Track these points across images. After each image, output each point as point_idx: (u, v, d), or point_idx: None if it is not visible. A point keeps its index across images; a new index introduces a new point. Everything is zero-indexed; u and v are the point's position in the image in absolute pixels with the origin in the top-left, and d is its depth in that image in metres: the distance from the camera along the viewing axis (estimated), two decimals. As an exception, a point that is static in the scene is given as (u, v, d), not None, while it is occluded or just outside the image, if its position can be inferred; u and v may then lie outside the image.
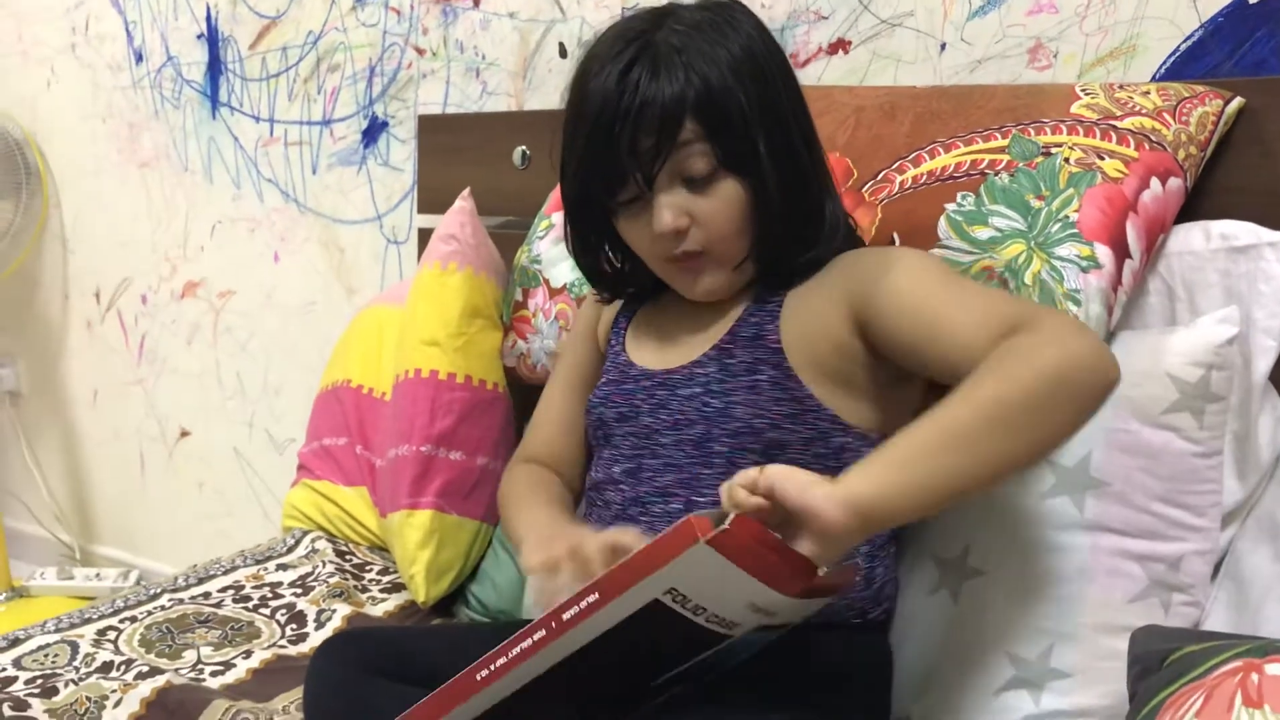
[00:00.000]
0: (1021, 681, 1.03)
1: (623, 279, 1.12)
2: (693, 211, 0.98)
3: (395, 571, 1.47)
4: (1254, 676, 0.75)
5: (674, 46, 0.95)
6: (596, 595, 0.73)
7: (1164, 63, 1.27)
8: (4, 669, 1.21)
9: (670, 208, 0.98)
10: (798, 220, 1.00)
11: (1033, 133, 1.12)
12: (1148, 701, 0.82)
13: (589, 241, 1.09)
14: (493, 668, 0.78)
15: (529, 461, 1.20)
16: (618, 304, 1.17)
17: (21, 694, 1.15)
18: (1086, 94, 1.14)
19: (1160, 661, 0.85)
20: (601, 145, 0.97)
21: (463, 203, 1.53)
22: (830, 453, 0.99)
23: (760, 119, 0.96)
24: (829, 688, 0.98)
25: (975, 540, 1.07)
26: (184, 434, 2.51)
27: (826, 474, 0.91)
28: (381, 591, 1.44)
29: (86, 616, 1.35)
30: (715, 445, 0.99)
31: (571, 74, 1.02)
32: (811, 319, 1.00)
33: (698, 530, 0.70)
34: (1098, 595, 1.02)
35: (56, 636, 1.29)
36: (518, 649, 0.77)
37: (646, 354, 1.09)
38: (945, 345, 0.91)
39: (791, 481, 0.76)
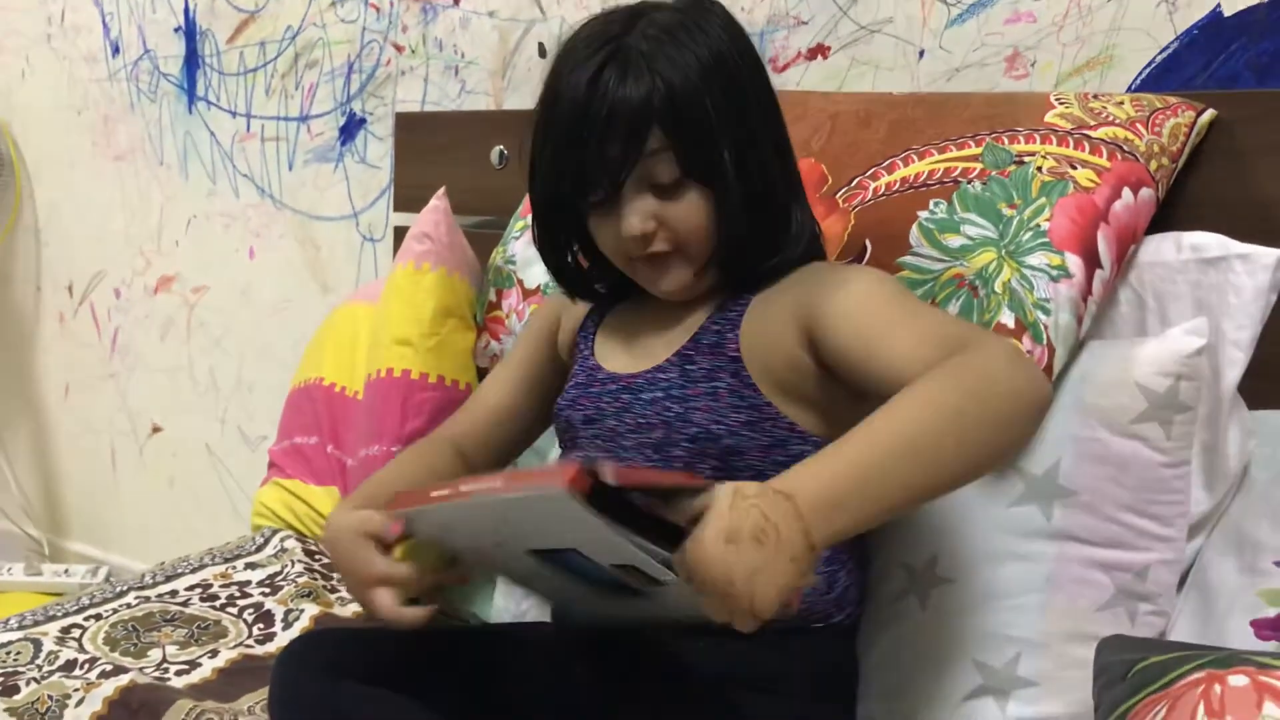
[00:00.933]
0: (988, 689, 1.03)
1: (590, 277, 1.12)
2: (660, 216, 0.98)
3: (365, 571, 1.46)
4: (1217, 688, 0.75)
5: (643, 52, 0.94)
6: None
7: (1140, 74, 1.27)
8: (-35, 666, 1.19)
9: (638, 213, 0.98)
10: (761, 227, 1.00)
11: (1006, 141, 1.12)
12: (1112, 711, 0.82)
13: (557, 240, 1.09)
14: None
15: (449, 442, 1.18)
16: (581, 309, 1.16)
17: (-18, 692, 1.14)
18: (1061, 103, 1.15)
19: (1125, 672, 0.85)
20: (570, 150, 0.97)
21: (437, 202, 1.52)
22: (789, 460, 0.97)
23: (727, 127, 0.96)
24: (793, 692, 0.98)
25: (943, 548, 1.07)
26: (156, 429, 2.49)
27: None
28: (351, 591, 1.43)
29: (50, 614, 1.33)
30: (674, 450, 0.99)
31: (547, 74, 1.02)
32: (767, 331, 1.00)
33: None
34: (1064, 604, 1.02)
35: (19, 634, 1.27)
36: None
37: (614, 358, 1.09)
38: (884, 362, 0.90)
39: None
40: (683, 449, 0.99)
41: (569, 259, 1.10)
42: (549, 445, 1.25)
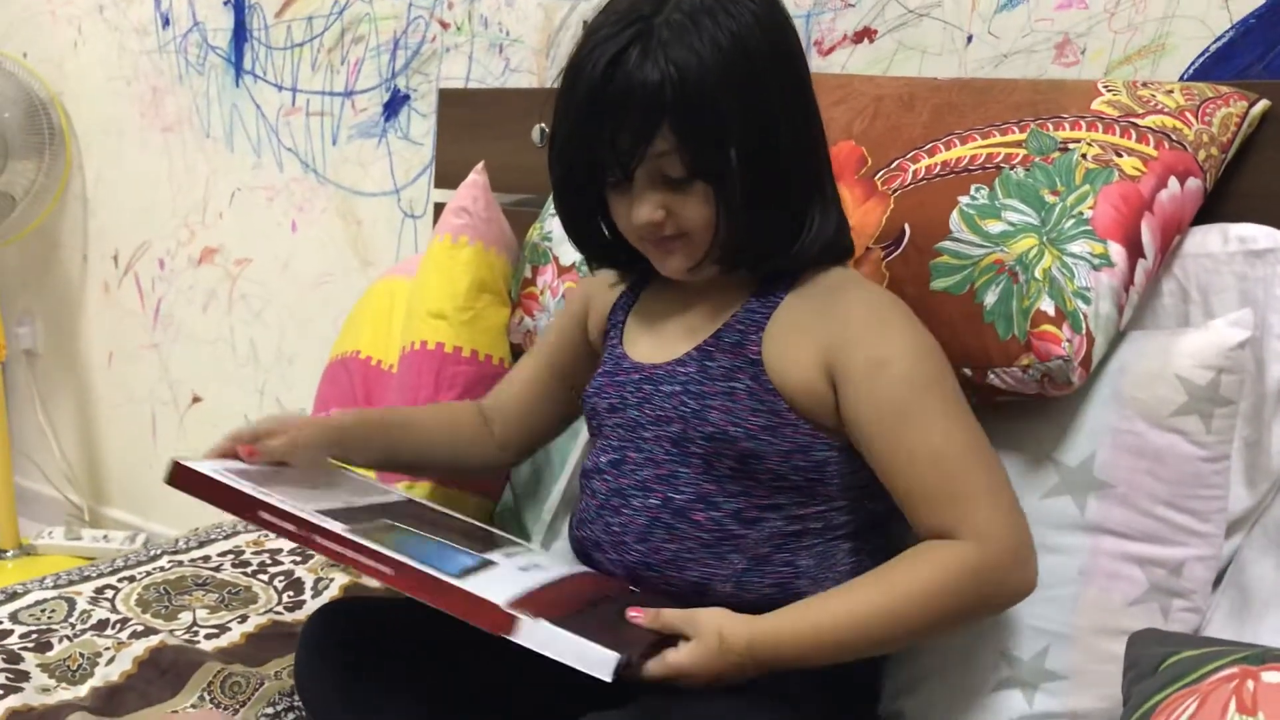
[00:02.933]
0: (1015, 681, 1.02)
1: (613, 248, 1.10)
2: (669, 206, 0.98)
3: (395, 544, 1.47)
4: (1250, 684, 0.74)
5: (663, 40, 0.92)
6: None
7: (1193, 63, 1.25)
8: (0, 622, 1.21)
9: (647, 204, 0.98)
10: (769, 227, 0.99)
11: (1051, 128, 1.10)
12: (1141, 705, 0.81)
13: (577, 212, 1.08)
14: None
15: (484, 411, 1.24)
16: (613, 294, 1.15)
17: (15, 647, 1.16)
18: (1109, 90, 1.13)
19: (1156, 665, 0.84)
20: (585, 134, 0.97)
21: (476, 176, 1.52)
22: (812, 466, 0.98)
23: (738, 125, 0.94)
24: (813, 684, 0.97)
25: (975, 537, 1.06)
26: (196, 399, 2.51)
27: (808, 486, 0.99)
28: (380, 563, 1.43)
29: (85, 574, 1.35)
30: (692, 446, 0.99)
31: (575, 45, 1.00)
32: (791, 348, 0.99)
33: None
34: (1096, 597, 1.01)
35: (54, 593, 1.29)
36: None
37: (640, 347, 1.09)
38: (892, 482, 0.96)
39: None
40: (700, 446, 0.99)
41: (591, 231, 1.09)
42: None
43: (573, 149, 0.99)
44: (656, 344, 1.07)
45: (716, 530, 0.98)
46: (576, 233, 1.10)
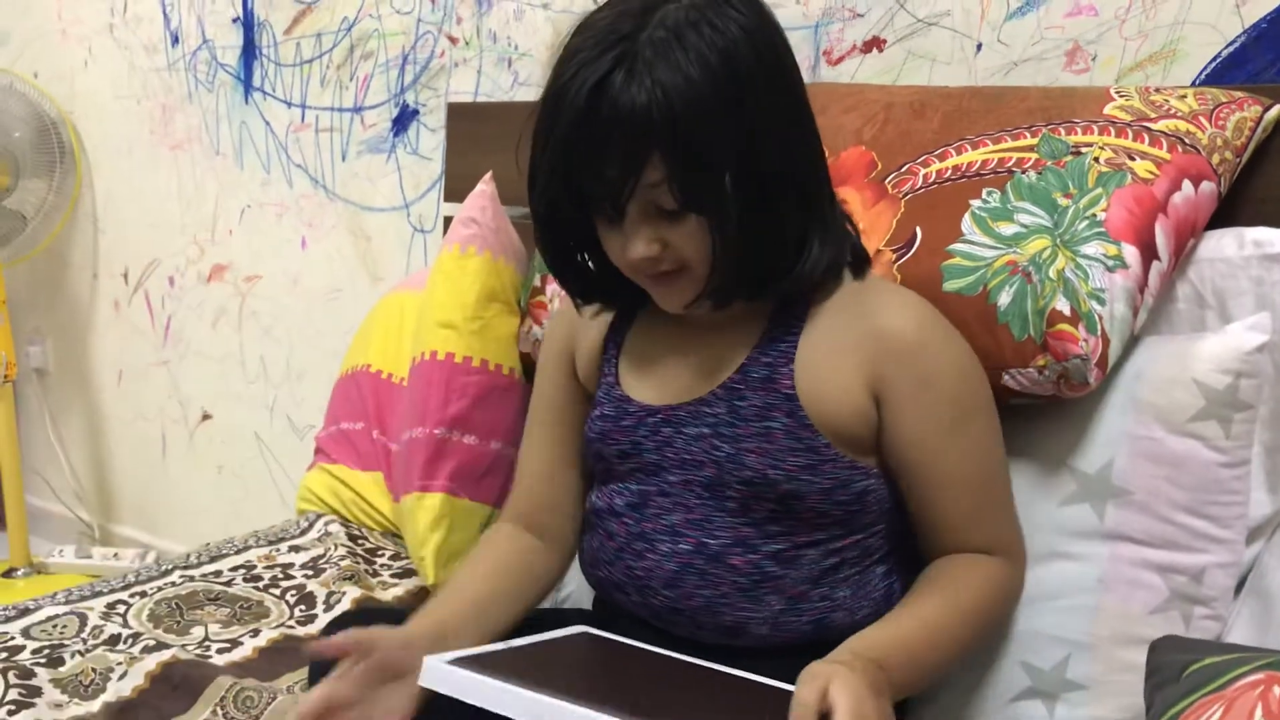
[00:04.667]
0: (1036, 692, 1.01)
1: (599, 282, 1.03)
2: (665, 239, 0.92)
3: (406, 557, 1.46)
4: (1276, 690, 0.73)
5: (648, 60, 0.85)
6: None
7: (1204, 69, 1.24)
8: (12, 638, 1.21)
9: (641, 239, 0.91)
10: (766, 253, 0.93)
11: (1063, 132, 1.10)
12: (1165, 712, 0.80)
13: (561, 246, 1.01)
14: None
15: (515, 521, 1.12)
16: (597, 328, 1.09)
17: (28, 663, 1.15)
18: (1121, 96, 1.12)
19: (1179, 672, 0.83)
20: (570, 166, 0.90)
21: (484, 186, 1.52)
22: (852, 498, 0.96)
23: (732, 151, 0.88)
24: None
25: (992, 545, 1.05)
26: (206, 417, 2.51)
27: (848, 518, 0.96)
28: (392, 576, 1.43)
29: (97, 590, 1.35)
30: (727, 491, 0.96)
31: (556, 56, 0.94)
32: (830, 375, 0.95)
33: None
34: (1116, 606, 1.00)
35: (66, 608, 1.29)
36: None
37: (644, 386, 1.03)
38: (928, 503, 0.97)
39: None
40: (736, 490, 0.95)
41: (574, 262, 1.02)
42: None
43: (558, 182, 0.91)
44: (664, 382, 1.02)
45: (755, 573, 0.96)
46: (562, 269, 1.03)
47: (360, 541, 1.51)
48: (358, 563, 1.43)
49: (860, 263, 1.02)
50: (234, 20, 2.24)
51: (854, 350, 0.95)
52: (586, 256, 1.02)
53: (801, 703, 0.77)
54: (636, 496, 1.00)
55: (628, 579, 1.00)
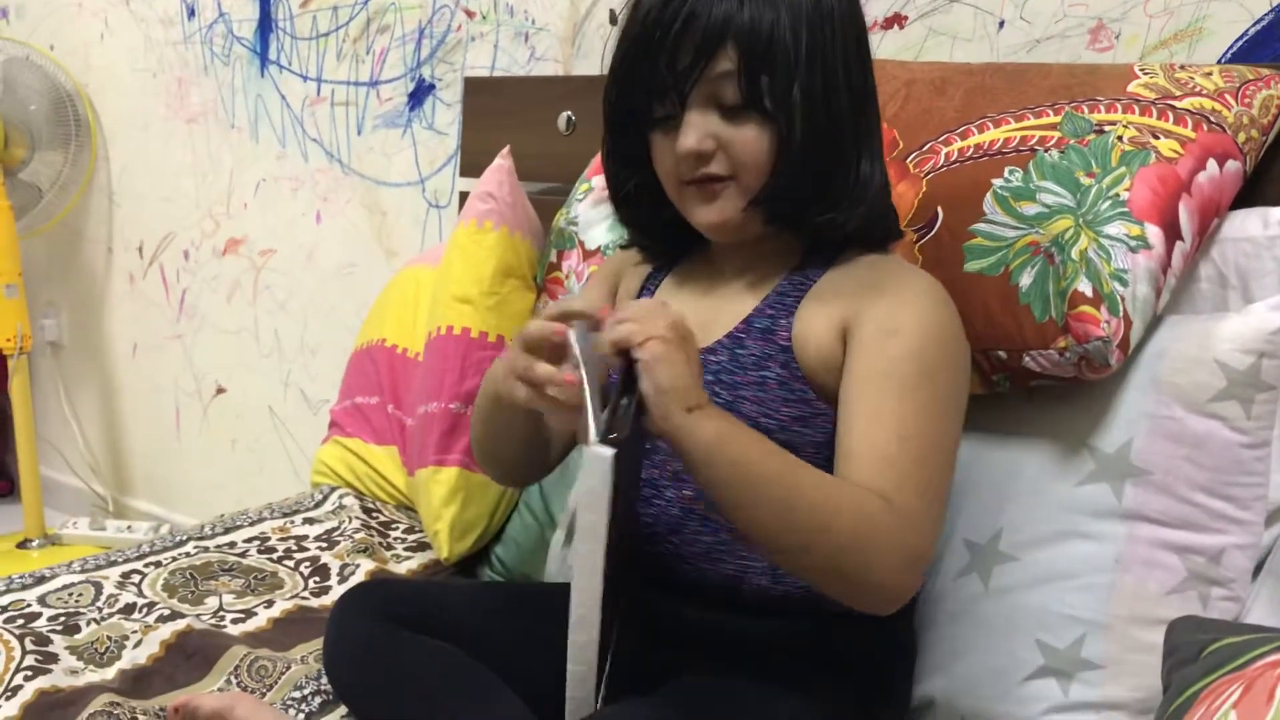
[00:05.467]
0: (1050, 670, 1.01)
1: (653, 213, 1.05)
2: (721, 137, 0.93)
3: (421, 531, 1.47)
4: (1295, 670, 0.73)
5: None
6: None
7: (1231, 47, 1.23)
8: (29, 605, 1.21)
9: (697, 129, 0.93)
10: (821, 175, 0.95)
11: (1086, 110, 1.08)
12: (1183, 692, 0.80)
13: (623, 161, 1.03)
14: None
15: None
16: (640, 273, 1.11)
17: (44, 630, 1.16)
18: (1145, 74, 1.11)
19: (1198, 652, 0.82)
20: (643, 54, 0.93)
21: (501, 161, 1.52)
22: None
23: (804, 63, 0.91)
24: (846, 673, 0.96)
25: (1007, 525, 1.05)
26: (220, 390, 2.52)
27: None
28: (406, 550, 1.43)
29: (112, 559, 1.35)
30: None
31: None
32: (818, 320, 0.96)
33: None
34: (1133, 586, 0.99)
35: (81, 576, 1.29)
36: None
37: None
38: (846, 437, 0.91)
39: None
40: None
41: (634, 189, 1.04)
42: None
43: (630, 75, 0.96)
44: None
45: None
46: (619, 189, 1.05)
47: (374, 515, 1.51)
48: (372, 536, 1.43)
49: (891, 232, 1.03)
50: (250, -7, 2.24)
51: (838, 303, 0.95)
52: (639, 190, 1.04)
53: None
54: (646, 442, 1.00)
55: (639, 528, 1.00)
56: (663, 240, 1.07)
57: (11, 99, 2.44)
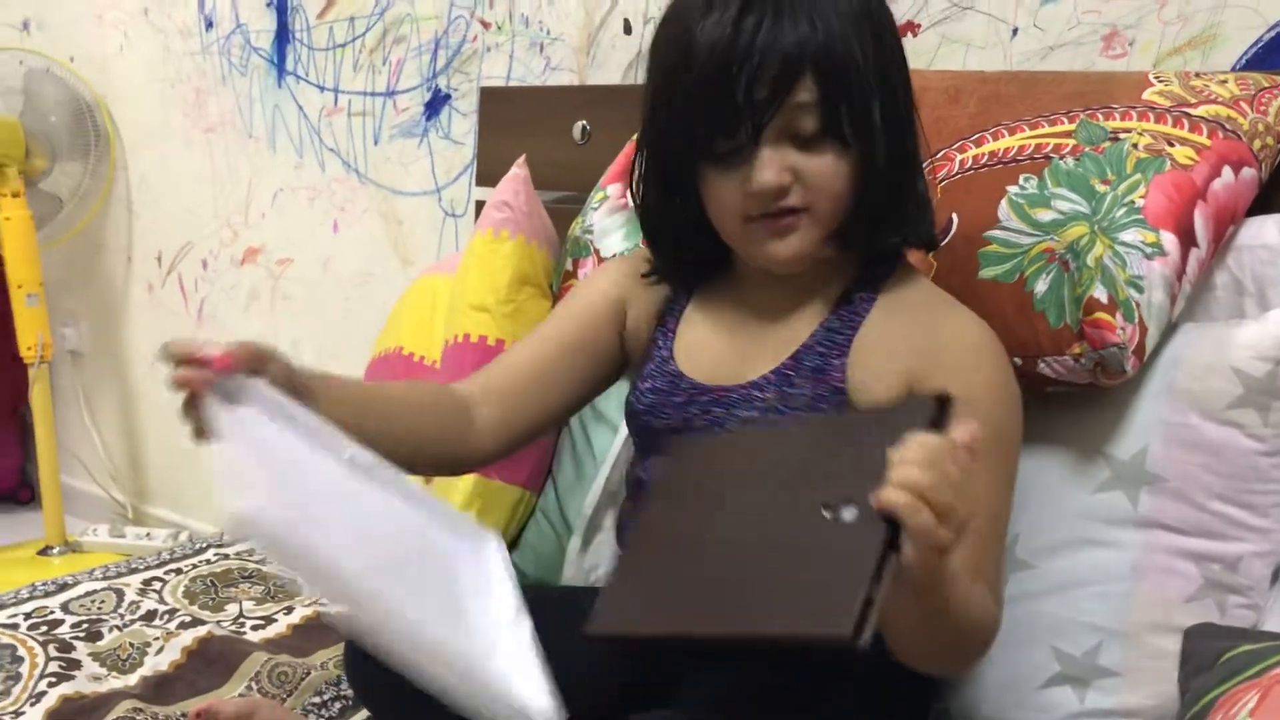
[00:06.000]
0: (1066, 678, 1.01)
1: (684, 243, 1.02)
2: (798, 169, 0.90)
3: (438, 539, 1.47)
4: (1311, 678, 0.73)
5: None
6: None
7: (1245, 53, 1.23)
8: (52, 612, 1.23)
9: (774, 164, 0.89)
10: (895, 195, 0.93)
11: (1101, 118, 1.09)
12: (1199, 699, 0.80)
13: (666, 190, 0.99)
14: None
15: (470, 389, 1.04)
16: (654, 296, 1.07)
17: (67, 636, 1.17)
18: (1160, 81, 1.11)
19: (1214, 659, 0.83)
20: (711, 88, 0.88)
21: (517, 170, 1.53)
22: None
23: (877, 83, 0.89)
24: (863, 680, 0.96)
25: (1023, 532, 1.05)
26: (238, 399, 2.53)
27: None
28: (423, 557, 1.44)
29: (133, 567, 1.37)
30: None
31: (660, 25, 0.95)
32: (879, 370, 0.93)
33: None
34: (1150, 593, 0.99)
35: (104, 584, 1.31)
36: None
37: (698, 364, 1.01)
38: None
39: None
40: None
41: (667, 218, 1.01)
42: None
43: (691, 114, 0.90)
44: (720, 362, 1.00)
45: None
46: (653, 216, 1.02)
47: (392, 522, 1.52)
48: (390, 543, 1.44)
49: (934, 239, 1.01)
50: (268, 4, 2.26)
51: (901, 354, 0.93)
52: (675, 214, 0.99)
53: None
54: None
55: None
56: (692, 270, 1.05)
57: (32, 110, 2.47)
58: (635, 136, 1.01)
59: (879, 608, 0.62)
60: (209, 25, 2.39)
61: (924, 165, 0.98)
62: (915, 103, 0.96)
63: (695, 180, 0.95)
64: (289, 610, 1.27)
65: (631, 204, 1.07)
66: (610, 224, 1.40)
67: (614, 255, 1.39)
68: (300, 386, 0.88)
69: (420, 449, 0.99)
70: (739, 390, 0.97)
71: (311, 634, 1.22)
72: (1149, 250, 0.99)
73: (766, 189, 0.90)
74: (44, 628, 1.18)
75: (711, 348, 1.02)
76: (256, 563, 1.39)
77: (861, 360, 0.94)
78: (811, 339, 0.96)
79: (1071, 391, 1.05)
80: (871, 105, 0.89)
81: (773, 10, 0.86)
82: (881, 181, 0.91)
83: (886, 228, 0.94)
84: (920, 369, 0.91)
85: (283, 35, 2.25)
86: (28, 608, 1.23)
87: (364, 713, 1.06)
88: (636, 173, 1.01)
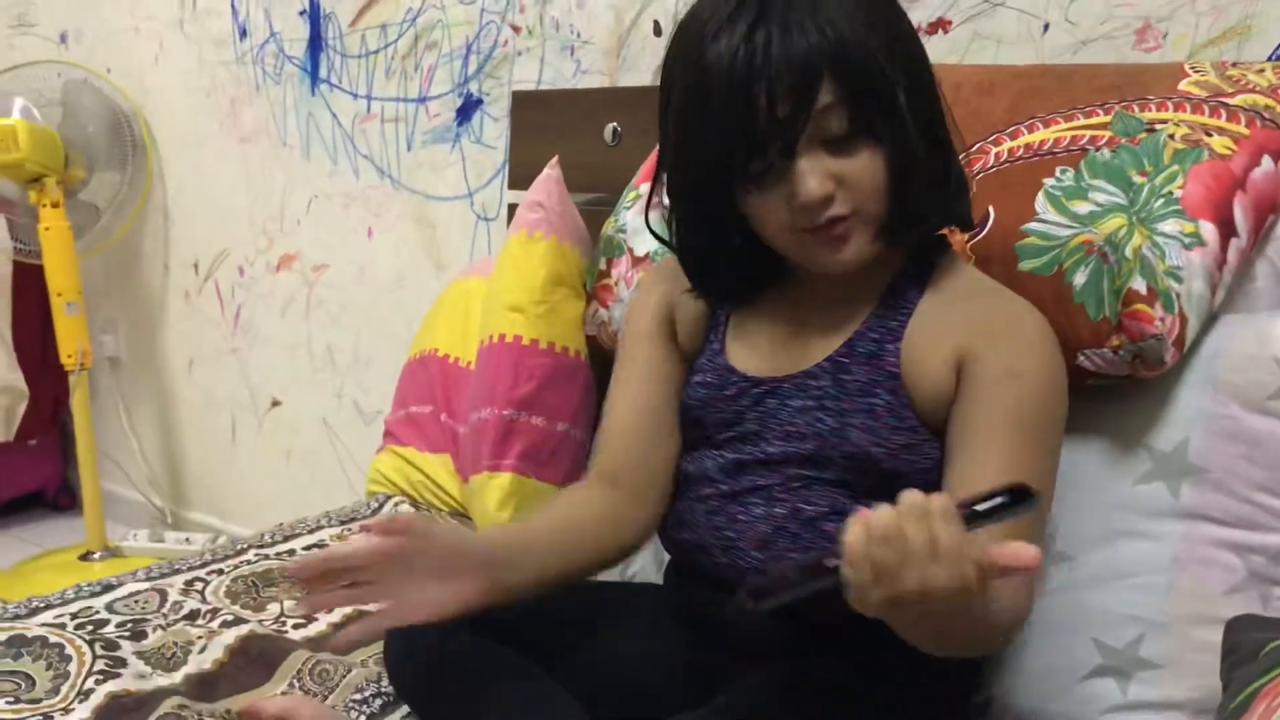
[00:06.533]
0: (1108, 670, 1.01)
1: (729, 267, 1.01)
2: (838, 174, 0.89)
3: (475, 538, 1.48)
4: (1357, 667, 0.72)
5: (793, 4, 0.86)
6: None
7: (1281, 44, 1.22)
8: (97, 612, 1.24)
9: (814, 174, 0.89)
10: (938, 179, 0.93)
11: (1137, 109, 1.08)
12: (1241, 690, 0.80)
13: (706, 231, 0.99)
14: None
15: (600, 480, 1.08)
16: (701, 303, 1.07)
17: (113, 635, 1.18)
18: (1196, 71, 1.11)
19: (1257, 650, 0.82)
20: (733, 116, 0.87)
21: (550, 171, 1.54)
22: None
23: (898, 73, 0.88)
24: (905, 670, 0.95)
25: (1063, 524, 1.05)
26: (275, 403, 2.56)
27: None
28: (461, 557, 1.45)
29: (176, 568, 1.38)
30: (829, 464, 0.95)
31: (671, 46, 0.94)
32: (929, 354, 0.94)
33: None
34: (1191, 585, 0.99)
35: (147, 584, 1.32)
36: None
37: (750, 356, 1.02)
38: (964, 481, 0.88)
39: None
40: (838, 464, 0.94)
41: (710, 251, 1.01)
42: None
43: (717, 142, 0.89)
44: (770, 354, 1.01)
45: None
46: (700, 261, 1.02)
47: (429, 523, 1.53)
48: (427, 543, 1.45)
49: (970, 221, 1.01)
50: (300, 13, 2.28)
51: (951, 335, 0.93)
52: (719, 244, 1.00)
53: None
54: (732, 464, 0.99)
55: (715, 540, 0.99)
56: (739, 286, 1.04)
57: (71, 121, 2.50)
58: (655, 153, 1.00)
59: (792, 602, 0.73)
60: (243, 34, 2.42)
61: (958, 153, 0.98)
62: (940, 90, 0.96)
63: (732, 203, 0.94)
64: (328, 609, 1.28)
65: (648, 225, 1.08)
66: (642, 222, 1.40)
67: (647, 253, 1.39)
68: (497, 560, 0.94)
69: (607, 556, 1.06)
70: (792, 379, 0.98)
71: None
72: (1188, 240, 0.99)
73: (812, 200, 0.89)
74: (90, 627, 1.20)
75: (763, 341, 1.02)
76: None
77: (915, 344, 0.95)
78: (864, 327, 0.97)
79: (1112, 383, 1.05)
80: (896, 94, 0.89)
81: (780, 23, 0.86)
82: (920, 169, 0.91)
83: (933, 217, 0.95)
84: (972, 347, 0.92)
85: (316, 43, 2.27)
86: (74, 608, 1.25)
87: (404, 709, 1.07)
88: (657, 196, 1.02)
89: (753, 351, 1.02)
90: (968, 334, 0.93)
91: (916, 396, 0.94)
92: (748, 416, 0.99)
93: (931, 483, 0.92)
